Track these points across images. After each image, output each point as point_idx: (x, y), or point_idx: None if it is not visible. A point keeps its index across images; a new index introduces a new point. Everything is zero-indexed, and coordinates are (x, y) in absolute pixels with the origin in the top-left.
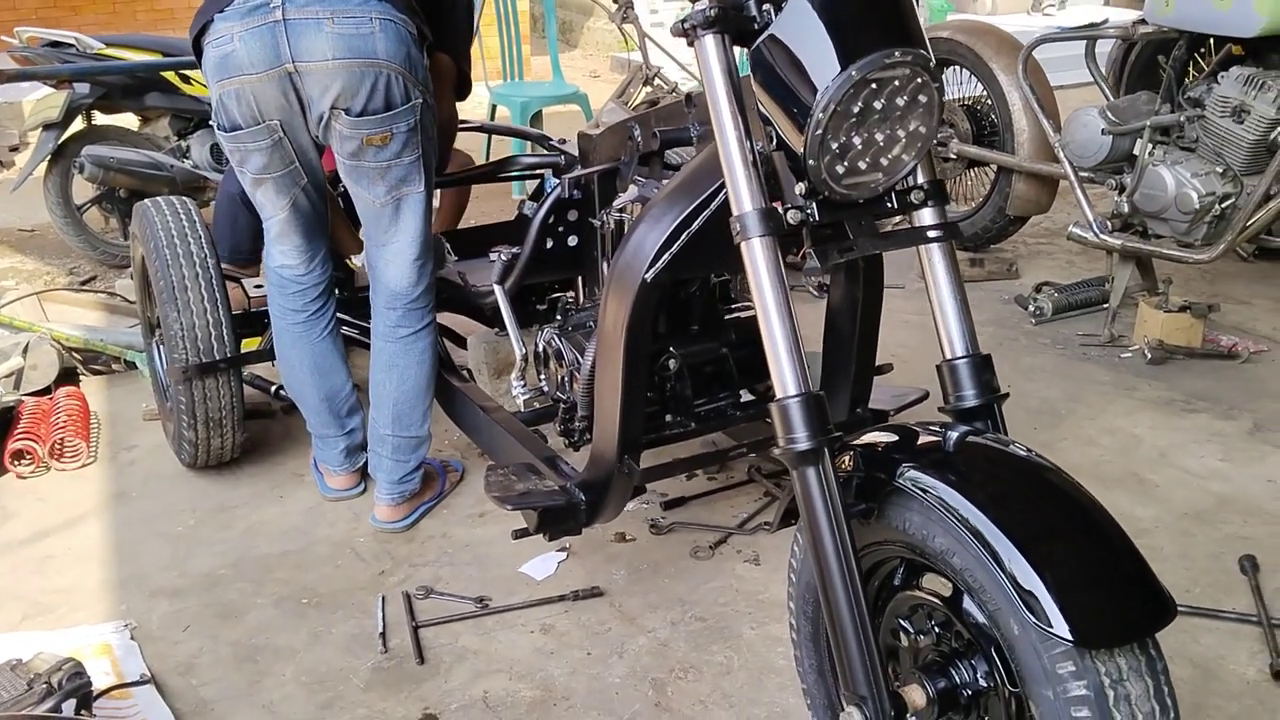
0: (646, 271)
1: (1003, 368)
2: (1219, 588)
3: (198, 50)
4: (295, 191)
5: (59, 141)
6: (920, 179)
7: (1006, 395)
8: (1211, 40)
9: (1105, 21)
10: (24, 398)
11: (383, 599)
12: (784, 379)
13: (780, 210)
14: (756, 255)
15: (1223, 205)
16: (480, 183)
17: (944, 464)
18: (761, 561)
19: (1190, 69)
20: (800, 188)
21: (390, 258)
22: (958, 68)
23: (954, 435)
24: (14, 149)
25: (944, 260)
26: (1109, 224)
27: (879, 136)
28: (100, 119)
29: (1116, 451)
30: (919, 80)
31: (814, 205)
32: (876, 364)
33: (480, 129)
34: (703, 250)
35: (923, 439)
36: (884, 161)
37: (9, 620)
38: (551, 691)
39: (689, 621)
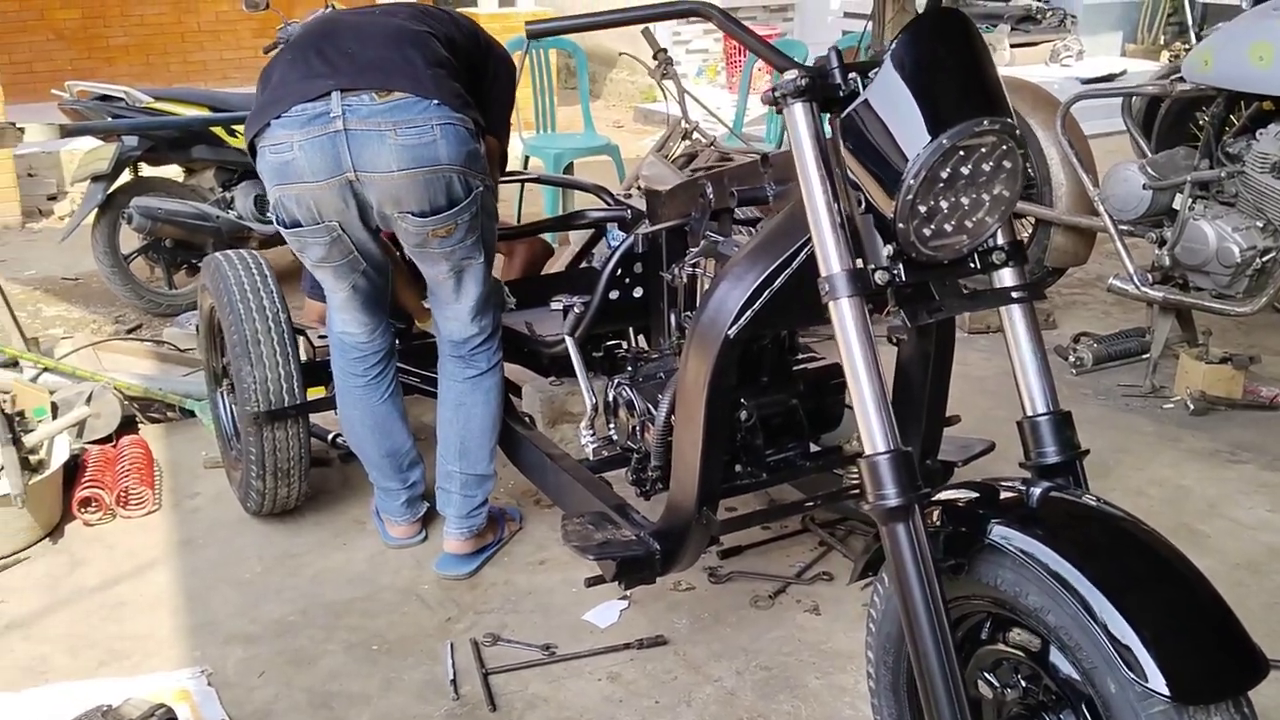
0: (729, 328)
1: None
2: (1274, 637)
3: (253, 150)
4: (355, 277)
5: (108, 193)
6: (1001, 240)
7: (1087, 452)
8: (1242, 98)
9: (1124, 72)
10: (88, 446)
11: (451, 646)
12: (873, 435)
13: (867, 271)
14: (845, 315)
15: (1264, 259)
16: (545, 231)
17: (1032, 520)
18: (822, 611)
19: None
20: (888, 250)
21: (452, 316)
22: None
23: (1037, 491)
24: (52, 198)
25: (1024, 319)
26: (1149, 276)
27: (965, 200)
28: (147, 171)
29: (1165, 502)
30: (1004, 147)
31: (900, 266)
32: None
33: (538, 180)
34: (782, 307)
35: (1005, 495)
36: (969, 224)
37: (86, 667)
38: None
39: (754, 671)
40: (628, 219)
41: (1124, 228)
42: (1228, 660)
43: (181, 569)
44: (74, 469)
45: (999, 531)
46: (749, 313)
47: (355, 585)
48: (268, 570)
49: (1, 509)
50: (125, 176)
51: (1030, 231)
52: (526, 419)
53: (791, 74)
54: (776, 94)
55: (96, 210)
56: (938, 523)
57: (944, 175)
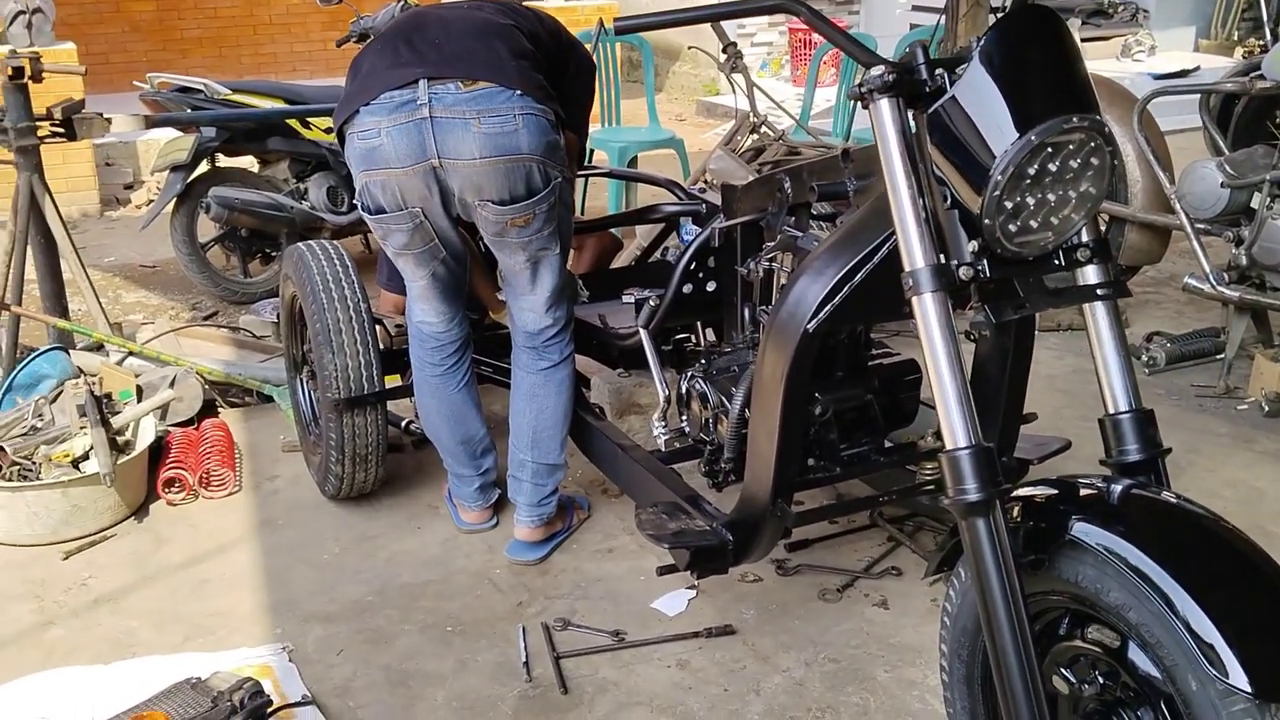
0: (809, 322)
1: None
2: None
3: (341, 137)
4: (434, 265)
5: (186, 182)
6: (1085, 237)
7: (1169, 450)
8: None
9: (1197, 69)
10: (171, 428)
11: (523, 629)
12: (954, 430)
13: (951, 266)
14: (929, 310)
15: None
16: (619, 225)
17: (1114, 517)
18: (890, 606)
19: None
20: (972, 246)
21: (527, 307)
22: None
23: (1118, 489)
24: (129, 187)
25: (1108, 317)
26: (1225, 275)
27: (1051, 197)
28: (224, 162)
29: (1240, 504)
30: (1093, 144)
31: (985, 262)
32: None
33: (612, 175)
34: (862, 302)
35: (1086, 491)
36: (1054, 221)
37: (172, 641)
38: None
39: (822, 663)
40: (702, 213)
41: (1200, 226)
42: None
43: (262, 549)
44: (158, 450)
45: (1080, 528)
46: (829, 306)
47: (429, 568)
48: (345, 551)
49: (89, 488)
50: (203, 167)
51: (1105, 229)
52: (597, 410)
53: (879, 69)
54: (863, 89)
55: (175, 200)
56: (1017, 518)
57: (1031, 171)
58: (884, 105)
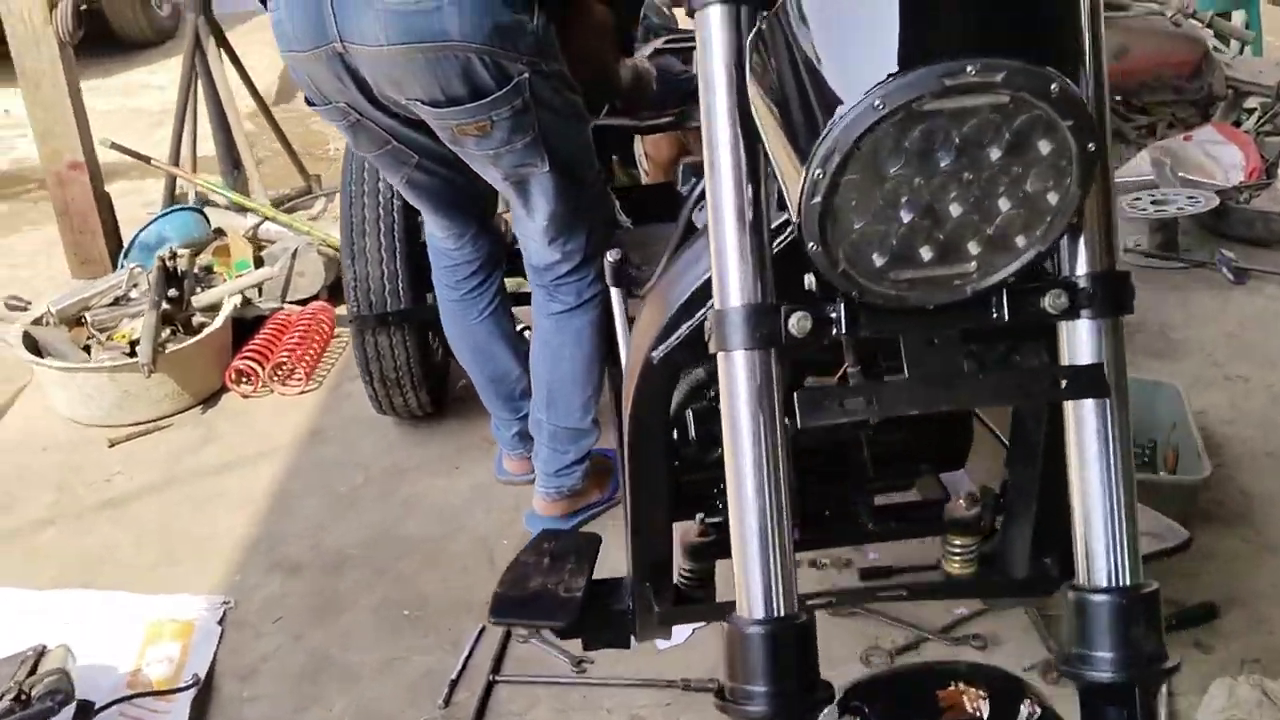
0: (653, 349)
1: None
2: None
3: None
4: (405, 170)
5: None
6: (1082, 267)
7: (1174, 670)
8: None
9: None
10: (287, 306)
11: (481, 630)
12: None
13: (780, 311)
14: (736, 377)
15: None
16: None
17: None
18: None
19: None
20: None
21: (528, 234)
22: None
23: None
24: None
25: (1098, 423)
26: None
27: (952, 209)
28: None
29: None
30: (1026, 117)
31: (842, 307)
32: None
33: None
34: None
35: None
36: (971, 248)
37: (141, 565)
38: None
39: None
40: None
41: None
42: None
43: (292, 465)
44: (251, 330)
45: None
46: (678, 333)
47: (437, 522)
48: (366, 484)
49: (140, 374)
50: None
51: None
52: None
53: None
54: None
55: None
56: None
57: (891, 163)
58: (713, 14)
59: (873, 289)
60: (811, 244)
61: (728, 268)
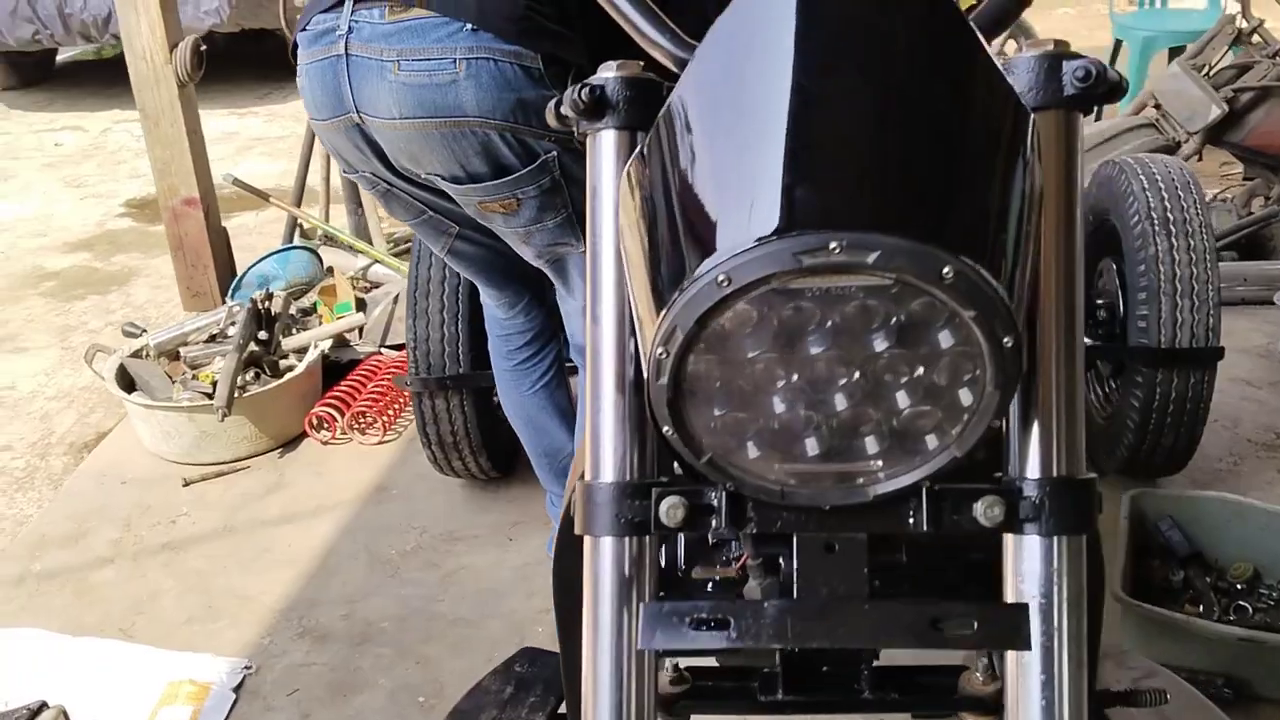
0: None
1: None
2: None
3: None
4: (447, 240)
5: None
6: (1031, 470)
7: None
8: None
9: None
10: (384, 351)
11: None
12: None
13: (653, 494)
14: (602, 567)
15: None
16: None
17: None
18: None
19: None
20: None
21: (569, 312)
22: None
23: None
24: None
25: (1043, 678)
26: None
27: (836, 399)
28: None
29: None
30: (918, 302)
31: (724, 495)
32: None
33: None
34: None
35: None
36: (869, 444)
37: (176, 619)
38: None
39: None
40: None
41: None
42: None
43: (348, 523)
44: (339, 374)
45: None
46: None
47: (475, 602)
48: (415, 550)
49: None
50: None
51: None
52: None
53: (609, 69)
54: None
55: None
56: None
57: (752, 346)
58: (604, 141)
59: (749, 482)
60: (666, 428)
61: (602, 435)
